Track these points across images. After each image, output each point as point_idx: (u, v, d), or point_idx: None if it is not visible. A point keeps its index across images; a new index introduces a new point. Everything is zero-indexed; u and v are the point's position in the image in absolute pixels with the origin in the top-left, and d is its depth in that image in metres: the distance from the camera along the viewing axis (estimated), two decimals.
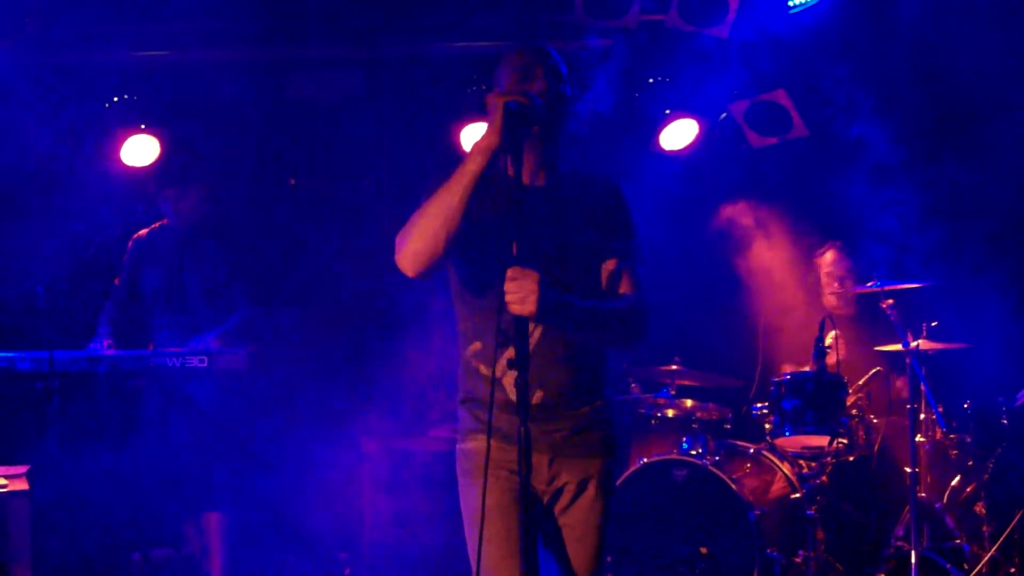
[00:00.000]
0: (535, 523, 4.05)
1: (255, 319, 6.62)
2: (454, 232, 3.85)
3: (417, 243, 3.88)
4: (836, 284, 7.71)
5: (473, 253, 4.03)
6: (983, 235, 7.56)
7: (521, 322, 3.70)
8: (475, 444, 4.11)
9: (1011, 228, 7.67)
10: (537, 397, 3.98)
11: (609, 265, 4.12)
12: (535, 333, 3.96)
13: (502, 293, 3.73)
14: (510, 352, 3.84)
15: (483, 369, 4.06)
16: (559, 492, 4.09)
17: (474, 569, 3.91)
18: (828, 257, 7.82)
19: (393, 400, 7.71)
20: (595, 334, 4.04)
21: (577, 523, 4.10)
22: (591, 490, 4.10)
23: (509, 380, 3.96)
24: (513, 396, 3.79)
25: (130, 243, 6.89)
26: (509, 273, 3.73)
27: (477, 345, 4.08)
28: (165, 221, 6.88)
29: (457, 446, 4.21)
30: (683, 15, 7.16)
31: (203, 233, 6.75)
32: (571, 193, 4.13)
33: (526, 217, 3.79)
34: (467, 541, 4.08)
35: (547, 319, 3.85)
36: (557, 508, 4.10)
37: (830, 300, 7.75)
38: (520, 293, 3.70)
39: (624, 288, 4.12)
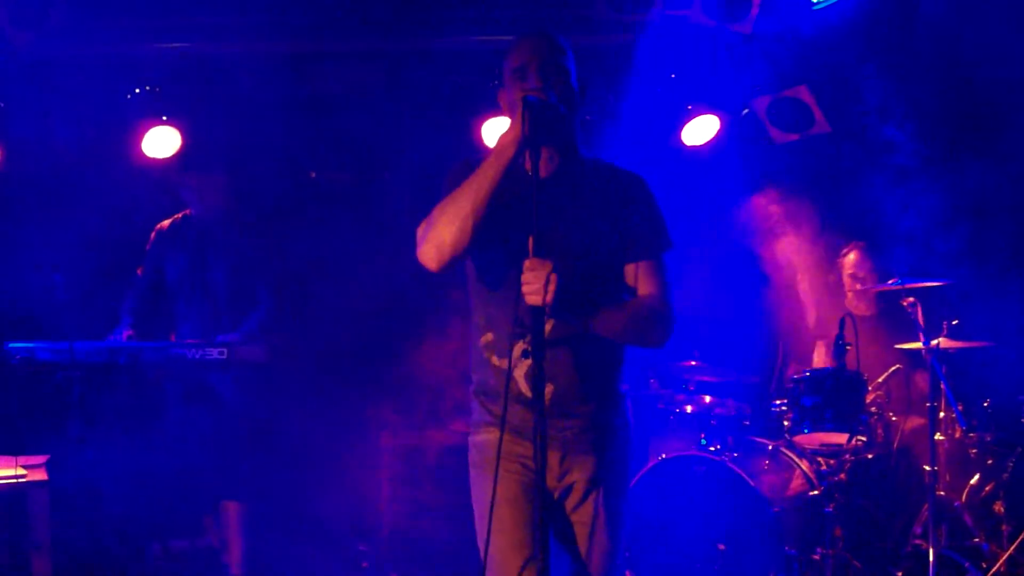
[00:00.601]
0: (547, 518, 4.04)
1: (276, 312, 6.63)
2: (479, 226, 3.85)
3: (443, 236, 3.88)
4: (859, 285, 7.69)
5: (490, 245, 4.01)
6: (1006, 234, 7.52)
7: (537, 313, 3.70)
8: (486, 436, 4.13)
9: None
10: (548, 392, 3.95)
11: (633, 262, 4.09)
12: (547, 327, 3.91)
13: (518, 285, 3.74)
14: (523, 344, 3.84)
15: (495, 360, 4.06)
16: (570, 488, 4.10)
17: (483, 559, 3.95)
18: (851, 258, 7.80)
19: (411, 393, 7.73)
20: (613, 332, 4.02)
21: (590, 519, 4.10)
22: (604, 487, 4.10)
23: (520, 372, 3.98)
24: (524, 389, 3.83)
25: (153, 234, 6.91)
26: (526, 264, 3.74)
27: (490, 336, 4.08)
28: (188, 212, 6.90)
29: (469, 438, 4.23)
30: (706, 10, 7.14)
31: (226, 224, 6.76)
32: (592, 184, 4.11)
33: (544, 210, 3.78)
34: (477, 532, 4.09)
35: (562, 312, 3.85)
36: (569, 504, 4.10)
37: (852, 300, 7.73)
38: (536, 284, 3.72)
39: (648, 287, 4.09)
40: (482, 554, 3.97)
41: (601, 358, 4.09)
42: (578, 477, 4.08)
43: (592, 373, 4.06)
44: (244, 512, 6.53)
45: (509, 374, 3.95)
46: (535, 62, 4.03)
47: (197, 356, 6.15)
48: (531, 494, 4.00)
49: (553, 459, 4.03)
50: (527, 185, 3.77)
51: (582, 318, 3.93)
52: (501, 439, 3.87)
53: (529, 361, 3.87)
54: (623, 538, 4.20)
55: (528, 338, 3.79)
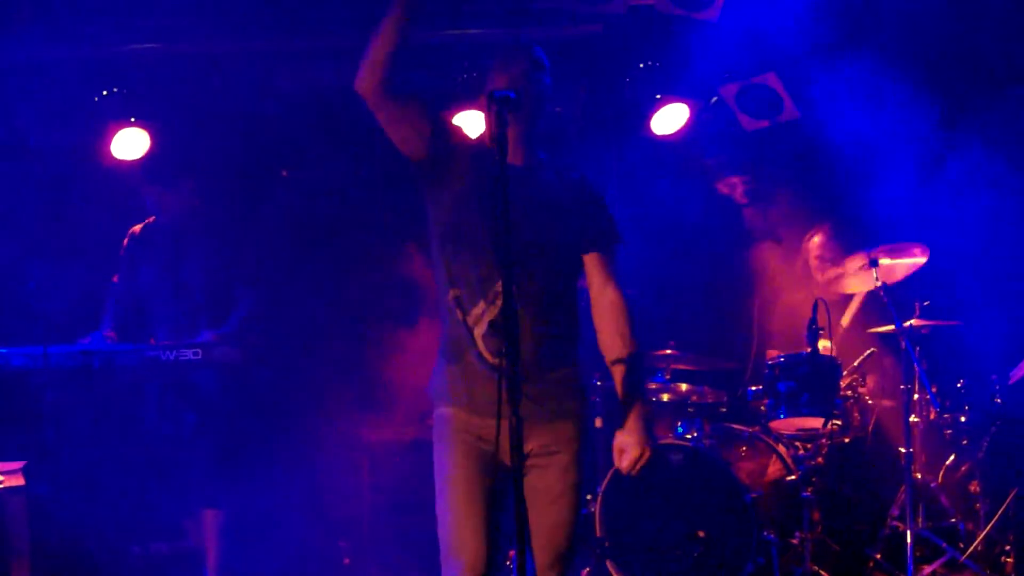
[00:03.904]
0: (501, 489, 4.17)
1: (255, 311, 6.62)
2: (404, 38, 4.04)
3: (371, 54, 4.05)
4: (828, 266, 7.72)
5: (458, 213, 4.18)
6: (977, 215, 7.56)
7: (510, 313, 3.72)
8: (445, 410, 4.25)
9: (1005, 205, 7.66)
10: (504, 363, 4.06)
11: (590, 256, 4.33)
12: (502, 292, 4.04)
13: (487, 252, 4.00)
14: (490, 312, 4.08)
15: (460, 315, 4.18)
16: (528, 457, 4.13)
17: (439, 531, 4.14)
18: (817, 240, 7.83)
19: (389, 389, 7.71)
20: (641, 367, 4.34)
21: (549, 488, 4.19)
22: (562, 454, 4.20)
23: (480, 331, 4.13)
24: (484, 350, 4.09)
25: (126, 239, 6.88)
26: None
27: (456, 291, 4.20)
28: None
29: (434, 410, 4.33)
30: None
31: (196, 227, 6.74)
32: (549, 178, 4.32)
33: (509, 191, 3.83)
34: (436, 504, 4.20)
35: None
36: (528, 474, 4.13)
37: (821, 284, 7.75)
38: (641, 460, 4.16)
39: (604, 280, 4.33)
40: (439, 527, 4.15)
41: (558, 332, 4.23)
42: (535, 445, 4.15)
43: (549, 346, 4.18)
44: (221, 512, 6.52)
45: (470, 329, 4.12)
46: (514, 57, 4.26)
47: (172, 357, 6.13)
48: (487, 467, 4.12)
49: (506, 429, 4.01)
50: (493, 167, 3.85)
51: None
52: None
53: (486, 321, 4.09)
54: (582, 505, 4.32)
55: (495, 303, 4.05)
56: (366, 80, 4.05)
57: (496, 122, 3.80)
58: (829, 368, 6.84)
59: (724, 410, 7.49)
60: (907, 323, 6.83)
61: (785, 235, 8.08)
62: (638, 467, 4.22)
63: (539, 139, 4.34)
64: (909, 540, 6.54)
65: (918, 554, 6.59)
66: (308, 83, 7.75)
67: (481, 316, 4.11)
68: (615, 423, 4.29)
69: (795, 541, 6.68)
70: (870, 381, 7.38)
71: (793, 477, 6.83)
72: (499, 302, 4.02)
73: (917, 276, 7.19)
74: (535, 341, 4.11)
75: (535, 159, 4.32)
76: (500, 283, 3.98)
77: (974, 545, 6.62)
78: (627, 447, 4.21)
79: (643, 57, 7.84)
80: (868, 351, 7.21)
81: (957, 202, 7.60)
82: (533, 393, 4.08)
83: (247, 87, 7.63)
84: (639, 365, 4.31)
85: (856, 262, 7.18)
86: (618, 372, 4.30)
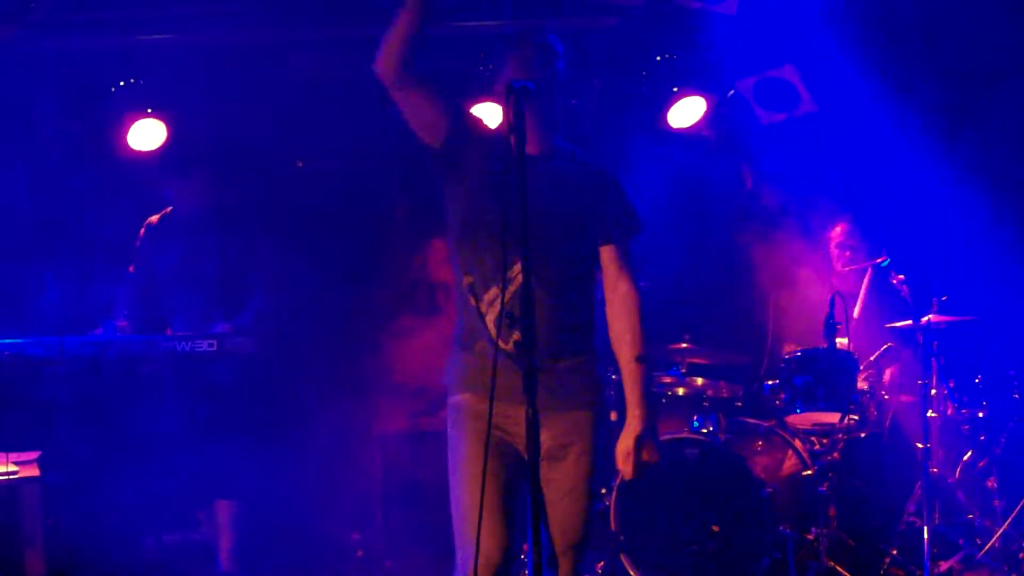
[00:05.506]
0: (516, 478, 4.15)
1: (270, 302, 6.62)
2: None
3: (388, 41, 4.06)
4: (848, 254, 7.69)
5: (473, 201, 4.19)
6: (995, 208, 7.52)
7: (528, 300, 3.72)
8: (458, 397, 4.25)
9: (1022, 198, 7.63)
10: (515, 337, 4.08)
11: (604, 247, 4.31)
12: (517, 278, 4.07)
13: (500, 240, 3.93)
14: (497, 289, 4.09)
15: (472, 302, 4.19)
16: (542, 448, 4.09)
17: (453, 519, 4.14)
18: (838, 231, 7.81)
19: (401, 380, 7.70)
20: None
21: (564, 478, 4.17)
22: (577, 444, 4.18)
23: (491, 317, 4.13)
24: (499, 342, 4.07)
25: (142, 229, 6.88)
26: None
27: (469, 278, 4.21)
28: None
29: (448, 397, 4.33)
30: None
31: (212, 218, 6.74)
32: (568, 167, 4.30)
33: (526, 179, 3.84)
34: (450, 489, 4.21)
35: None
36: (542, 464, 4.11)
37: (841, 275, 7.72)
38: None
39: (618, 272, 4.30)
40: (453, 513, 4.15)
41: (570, 314, 4.22)
42: (550, 435, 4.12)
43: (562, 328, 4.18)
44: (235, 508, 6.52)
45: (481, 316, 4.14)
46: (527, 48, 4.22)
47: (187, 348, 6.12)
48: (502, 454, 4.11)
49: (520, 415, 3.94)
50: (510, 156, 3.87)
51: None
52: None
53: (498, 308, 4.09)
54: (596, 496, 4.36)
55: (506, 290, 4.05)
56: (385, 62, 4.05)
57: (514, 112, 3.80)
58: (846, 363, 6.81)
59: (740, 404, 7.46)
60: (924, 318, 6.79)
61: (804, 228, 8.04)
62: (644, 471, 4.23)
63: (556, 127, 4.32)
64: (926, 536, 6.51)
65: (934, 550, 6.55)
66: (325, 74, 7.73)
67: (493, 302, 4.11)
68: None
69: (811, 536, 6.66)
70: (887, 376, 7.36)
71: (809, 472, 6.81)
72: (511, 289, 4.06)
73: (934, 271, 7.15)
74: (548, 329, 4.09)
75: (552, 148, 4.30)
76: (512, 269, 4.01)
77: (991, 542, 6.59)
78: (642, 448, 4.20)
79: (660, 49, 7.84)
80: (885, 346, 7.18)
81: (966, 197, 7.57)
82: (547, 381, 4.07)
83: (264, 78, 7.62)
84: (647, 364, 4.28)
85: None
86: (625, 370, 4.28)
